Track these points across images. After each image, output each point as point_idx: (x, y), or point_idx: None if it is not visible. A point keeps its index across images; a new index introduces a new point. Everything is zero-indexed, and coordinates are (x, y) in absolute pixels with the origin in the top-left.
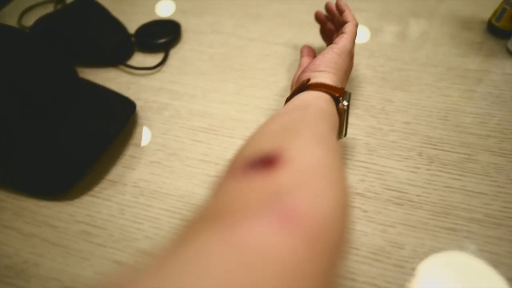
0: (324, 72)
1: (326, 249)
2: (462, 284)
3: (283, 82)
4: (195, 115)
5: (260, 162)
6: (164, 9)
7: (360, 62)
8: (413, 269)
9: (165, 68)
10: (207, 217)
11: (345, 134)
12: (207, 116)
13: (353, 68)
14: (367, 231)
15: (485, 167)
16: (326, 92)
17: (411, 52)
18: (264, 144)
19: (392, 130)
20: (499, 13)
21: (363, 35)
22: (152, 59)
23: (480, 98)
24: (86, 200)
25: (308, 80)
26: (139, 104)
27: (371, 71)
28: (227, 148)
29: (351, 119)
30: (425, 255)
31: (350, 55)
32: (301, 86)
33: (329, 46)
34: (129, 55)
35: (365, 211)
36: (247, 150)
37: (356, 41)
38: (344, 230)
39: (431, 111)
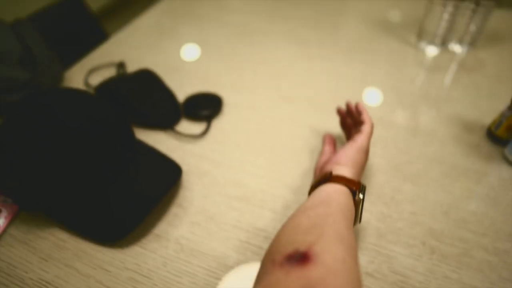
0: (344, 166)
1: None
2: None
3: (306, 163)
4: (231, 184)
5: (296, 259)
6: (208, 84)
7: (375, 152)
8: None
9: (207, 136)
10: None
11: (360, 221)
12: (241, 186)
13: (369, 157)
14: None
15: (480, 263)
16: (345, 185)
17: (421, 147)
18: (297, 241)
19: (400, 218)
20: (497, 123)
21: (379, 127)
22: (197, 127)
23: (478, 198)
24: (135, 250)
25: (331, 173)
26: (183, 168)
27: (385, 161)
28: (257, 217)
29: (365, 204)
30: None
31: (366, 151)
32: (325, 177)
33: (349, 143)
34: (177, 122)
35: None
36: (283, 245)
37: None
38: None
39: (435, 204)
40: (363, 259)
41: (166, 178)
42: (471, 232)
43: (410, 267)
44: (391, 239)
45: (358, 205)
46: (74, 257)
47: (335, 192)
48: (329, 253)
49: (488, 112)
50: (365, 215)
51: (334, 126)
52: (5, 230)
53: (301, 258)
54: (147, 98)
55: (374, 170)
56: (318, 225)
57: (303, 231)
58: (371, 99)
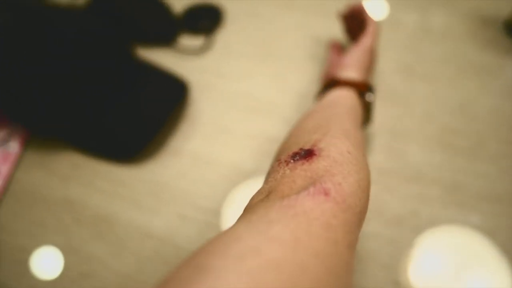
0: (351, 68)
1: (353, 214)
2: (461, 257)
3: (313, 72)
4: (239, 96)
5: (301, 155)
6: None
7: (385, 54)
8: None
9: (211, 50)
10: (262, 194)
11: (370, 122)
12: (250, 97)
13: (379, 60)
14: (387, 199)
15: (494, 154)
16: (352, 87)
17: (434, 46)
18: (303, 141)
19: (413, 116)
20: None
21: (387, 26)
22: (198, 42)
23: (494, 92)
24: (151, 165)
25: (337, 77)
26: (190, 83)
27: (396, 63)
28: (269, 126)
29: (377, 106)
30: (431, 225)
31: (373, 52)
32: (331, 82)
33: (354, 45)
34: (176, 35)
35: (388, 185)
36: (289, 146)
37: (379, 35)
38: (366, 203)
39: (449, 101)
40: (378, 158)
41: (173, 94)
42: (486, 125)
43: (425, 162)
44: (405, 137)
45: (368, 105)
46: (92, 176)
47: (341, 96)
48: (334, 146)
49: (505, 5)
50: (377, 116)
51: (340, 33)
52: (22, 155)
53: (306, 154)
54: (141, 12)
55: (385, 72)
56: (323, 125)
57: (308, 131)
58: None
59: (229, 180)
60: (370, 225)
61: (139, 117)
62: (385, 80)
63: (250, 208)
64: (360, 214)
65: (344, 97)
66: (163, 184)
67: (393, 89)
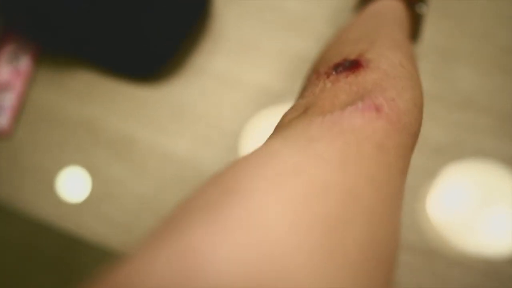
0: None
1: (408, 136)
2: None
3: None
4: (268, 7)
5: (344, 66)
6: None
7: None
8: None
9: None
10: (297, 110)
11: (419, 39)
12: (280, 10)
13: None
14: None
15: None
16: None
17: None
18: (346, 51)
19: (467, 35)
20: None
21: None
22: None
23: None
24: (172, 84)
25: None
26: None
27: None
28: (302, 46)
29: (427, 20)
30: (475, 156)
31: None
32: None
33: None
34: None
35: (433, 112)
36: (330, 57)
37: None
38: (420, 123)
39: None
40: (423, 81)
41: (193, 4)
42: None
43: (476, 87)
44: (456, 58)
45: (418, 18)
46: (109, 95)
47: (386, 6)
48: (384, 57)
49: None
50: (427, 33)
51: None
52: (35, 74)
53: (351, 65)
54: None
55: None
56: (370, 34)
57: (352, 41)
58: None
59: (257, 104)
60: None
61: (157, 31)
62: None
63: (283, 126)
64: (415, 136)
65: (390, 7)
66: (185, 105)
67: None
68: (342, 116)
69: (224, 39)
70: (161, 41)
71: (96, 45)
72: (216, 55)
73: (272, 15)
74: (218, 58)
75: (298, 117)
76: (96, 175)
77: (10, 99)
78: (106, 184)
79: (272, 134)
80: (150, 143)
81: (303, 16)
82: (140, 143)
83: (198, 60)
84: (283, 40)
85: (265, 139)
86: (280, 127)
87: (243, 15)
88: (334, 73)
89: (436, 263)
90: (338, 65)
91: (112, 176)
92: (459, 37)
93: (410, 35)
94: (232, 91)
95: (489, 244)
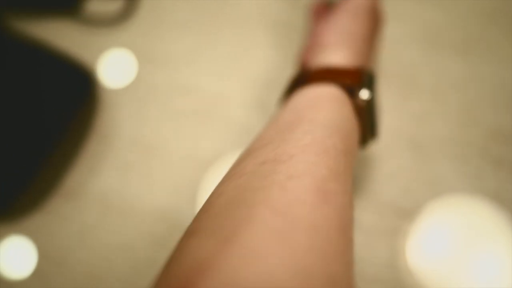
0: (335, 47)
1: None
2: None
3: (286, 49)
4: (177, 91)
5: None
6: None
7: (401, 12)
8: None
9: (133, 19)
10: None
11: (376, 134)
12: (193, 93)
13: (387, 21)
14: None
15: None
16: (336, 80)
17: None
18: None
19: (445, 115)
20: None
21: None
22: (115, 5)
23: None
24: (35, 220)
25: (309, 67)
26: (101, 74)
27: (415, 25)
28: (223, 138)
29: (387, 102)
30: None
31: (371, 12)
32: (300, 77)
33: (338, 7)
34: (81, 1)
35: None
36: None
37: None
38: None
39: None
40: (393, 192)
41: (69, 95)
42: None
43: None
44: (432, 153)
45: (365, 109)
46: None
47: (309, 108)
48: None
49: None
50: (388, 121)
51: None
52: None
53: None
54: None
55: (396, 42)
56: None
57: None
58: None
59: (157, 244)
60: None
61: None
62: (398, 55)
63: None
64: None
65: (316, 107)
66: (54, 255)
67: (412, 69)
68: None
69: (113, 144)
70: (14, 161)
71: None
72: (101, 170)
73: (182, 101)
74: (103, 174)
75: None
76: None
77: None
78: None
79: None
80: None
81: (223, 102)
82: None
83: (75, 177)
84: (197, 132)
85: None
86: None
87: (142, 103)
88: None
89: None
90: None
91: None
92: (435, 120)
93: (364, 136)
94: (120, 221)
95: None
